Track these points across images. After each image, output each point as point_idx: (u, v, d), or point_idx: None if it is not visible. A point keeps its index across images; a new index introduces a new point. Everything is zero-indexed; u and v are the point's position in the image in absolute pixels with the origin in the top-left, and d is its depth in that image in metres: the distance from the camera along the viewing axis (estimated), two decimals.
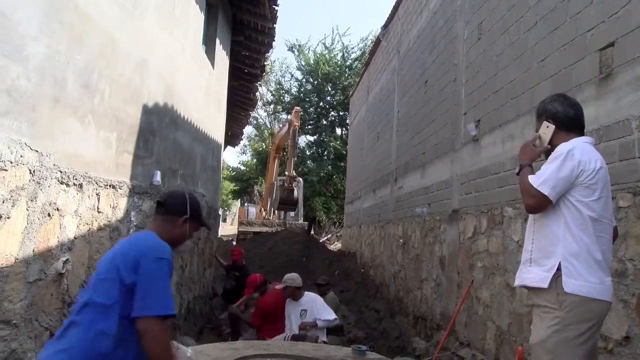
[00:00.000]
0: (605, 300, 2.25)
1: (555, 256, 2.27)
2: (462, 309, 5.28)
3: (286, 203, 17.19)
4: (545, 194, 2.27)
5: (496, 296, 4.68)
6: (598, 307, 2.23)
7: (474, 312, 5.16)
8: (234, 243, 18.13)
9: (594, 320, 2.23)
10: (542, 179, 2.30)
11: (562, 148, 2.36)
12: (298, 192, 18.31)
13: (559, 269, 2.25)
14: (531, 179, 2.34)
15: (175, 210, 2.30)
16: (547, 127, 2.52)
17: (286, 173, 17.35)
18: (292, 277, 5.59)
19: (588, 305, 2.20)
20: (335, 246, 19.07)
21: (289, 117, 18.24)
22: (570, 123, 2.49)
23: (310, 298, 5.58)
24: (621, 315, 2.95)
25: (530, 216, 2.47)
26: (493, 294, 4.75)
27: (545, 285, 2.26)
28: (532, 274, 2.36)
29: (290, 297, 5.54)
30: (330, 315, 5.43)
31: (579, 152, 2.31)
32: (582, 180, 2.28)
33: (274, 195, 18.33)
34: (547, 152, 2.50)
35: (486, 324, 4.87)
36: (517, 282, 2.48)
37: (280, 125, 20.02)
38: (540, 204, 2.33)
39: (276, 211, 19.96)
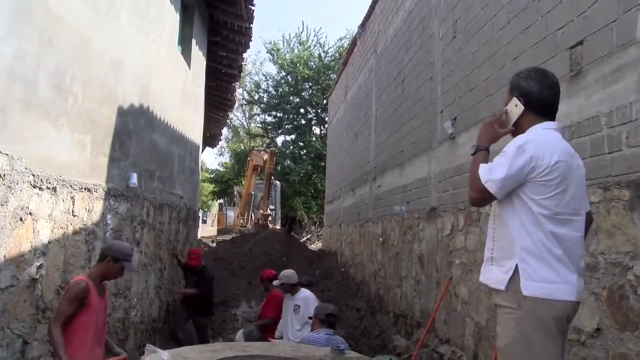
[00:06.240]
0: (569, 300, 2.11)
1: (514, 257, 2.17)
2: (441, 306, 5.32)
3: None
4: (492, 192, 2.16)
5: (474, 292, 4.73)
6: (562, 306, 2.11)
7: (453, 309, 5.21)
8: (214, 245, 18.06)
9: (557, 318, 2.11)
10: (491, 176, 2.17)
11: (515, 142, 2.19)
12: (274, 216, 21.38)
13: (517, 269, 2.14)
14: (481, 171, 2.20)
15: None
16: (516, 105, 2.27)
17: (261, 211, 19.88)
18: (287, 275, 5.69)
19: (549, 304, 2.09)
20: (316, 245, 19.10)
21: (267, 153, 19.66)
22: (542, 107, 2.27)
23: (305, 294, 5.67)
24: (592, 308, 3.01)
25: (492, 212, 2.38)
26: (471, 290, 4.80)
27: (502, 288, 2.18)
28: (492, 273, 2.27)
29: (288, 292, 5.66)
30: None
31: (532, 146, 2.14)
32: (534, 176, 2.13)
33: (251, 222, 20.59)
34: (513, 132, 2.31)
35: (465, 320, 4.92)
36: (481, 278, 2.39)
37: (258, 149, 21.47)
38: (484, 201, 2.26)
39: (252, 216, 20.66)
